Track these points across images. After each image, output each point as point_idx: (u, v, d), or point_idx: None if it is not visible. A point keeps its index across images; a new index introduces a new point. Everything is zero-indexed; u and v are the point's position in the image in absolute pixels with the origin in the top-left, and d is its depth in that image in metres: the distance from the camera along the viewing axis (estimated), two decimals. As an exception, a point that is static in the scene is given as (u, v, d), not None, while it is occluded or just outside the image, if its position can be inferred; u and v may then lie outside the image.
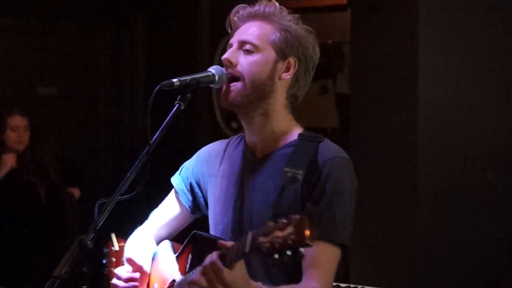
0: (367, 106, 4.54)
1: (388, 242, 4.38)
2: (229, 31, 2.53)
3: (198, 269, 2.19)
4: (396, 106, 4.33)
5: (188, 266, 2.44)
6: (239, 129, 5.84)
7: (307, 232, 1.88)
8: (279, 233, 1.92)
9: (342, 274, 2.38)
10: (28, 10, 6.64)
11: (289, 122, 2.48)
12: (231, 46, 2.48)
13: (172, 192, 2.70)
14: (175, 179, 2.67)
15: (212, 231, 2.54)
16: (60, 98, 6.88)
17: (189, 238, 2.49)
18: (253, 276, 2.27)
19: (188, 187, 2.64)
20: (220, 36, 6.07)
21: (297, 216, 1.91)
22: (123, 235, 2.87)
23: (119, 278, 2.58)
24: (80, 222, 5.52)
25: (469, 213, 4.27)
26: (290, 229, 1.91)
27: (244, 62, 2.43)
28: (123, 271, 2.59)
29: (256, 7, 2.48)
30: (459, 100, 4.28)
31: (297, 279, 2.33)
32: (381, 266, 4.41)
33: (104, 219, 2.23)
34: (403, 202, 4.31)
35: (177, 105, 2.36)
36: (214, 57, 6.09)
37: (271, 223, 1.96)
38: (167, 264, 2.58)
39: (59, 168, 5.54)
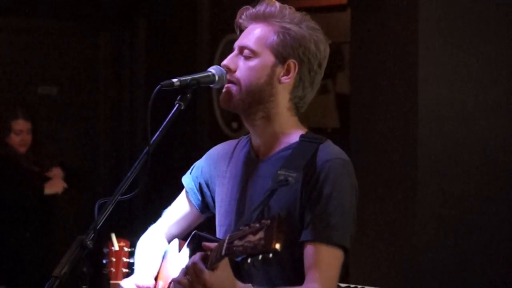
0: (367, 106, 4.54)
1: (388, 242, 4.37)
2: (237, 33, 2.51)
3: (182, 269, 2.21)
4: (396, 106, 4.33)
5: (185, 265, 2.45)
6: (239, 129, 5.87)
7: (275, 238, 1.87)
8: (251, 238, 1.92)
9: (342, 274, 2.37)
10: (28, 10, 6.65)
11: (293, 124, 2.47)
12: (234, 50, 2.48)
13: (183, 191, 2.69)
14: (186, 178, 2.67)
15: (217, 232, 2.55)
16: (60, 98, 6.89)
17: (190, 238, 2.50)
18: (250, 275, 2.27)
19: (198, 186, 2.64)
20: (220, 36, 6.07)
21: (268, 221, 1.91)
22: (123, 235, 2.88)
23: None
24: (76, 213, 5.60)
25: (470, 213, 4.27)
26: (261, 234, 1.90)
27: (242, 68, 2.42)
28: (131, 284, 2.58)
29: (257, 8, 2.46)
30: (459, 100, 4.27)
31: (297, 280, 2.32)
32: (381, 266, 4.41)
33: (104, 219, 2.23)
34: (403, 202, 4.30)
35: (177, 105, 2.36)
36: (214, 57, 6.09)
37: (247, 227, 1.96)
38: (172, 263, 2.59)
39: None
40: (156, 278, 2.62)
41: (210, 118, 6.26)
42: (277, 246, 1.86)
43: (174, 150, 5.65)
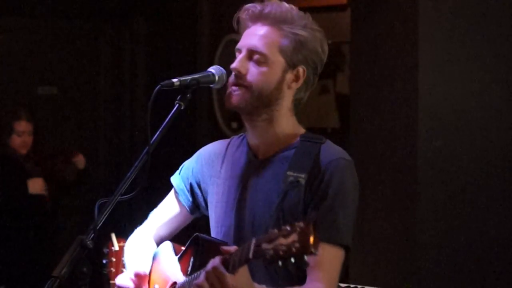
0: (367, 106, 4.54)
1: (388, 242, 4.38)
2: (235, 27, 2.48)
3: (202, 273, 2.19)
4: (396, 106, 4.33)
5: (189, 269, 2.43)
6: (239, 129, 5.87)
7: (311, 241, 1.87)
8: (283, 240, 1.91)
9: (342, 274, 2.38)
10: (28, 10, 6.65)
11: (292, 124, 2.47)
12: (239, 51, 2.43)
13: (172, 192, 2.68)
14: (175, 179, 2.66)
15: (213, 232, 2.53)
16: (60, 97, 6.89)
17: (190, 241, 2.48)
18: (253, 275, 2.27)
19: (188, 187, 2.62)
20: (220, 36, 6.07)
21: (301, 224, 1.91)
22: (123, 235, 2.87)
23: None
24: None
25: (470, 213, 4.27)
26: (294, 237, 1.90)
27: (254, 72, 2.38)
28: (126, 279, 2.58)
29: (268, 8, 2.40)
30: (459, 100, 4.27)
31: (299, 279, 2.33)
32: (381, 266, 4.41)
33: (104, 219, 2.23)
34: (403, 202, 4.30)
35: (177, 105, 2.36)
36: (214, 57, 6.09)
37: (275, 230, 1.95)
38: (168, 266, 2.57)
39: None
40: (148, 281, 2.60)
41: (210, 118, 6.26)
42: (314, 249, 1.87)
43: (174, 150, 5.64)
